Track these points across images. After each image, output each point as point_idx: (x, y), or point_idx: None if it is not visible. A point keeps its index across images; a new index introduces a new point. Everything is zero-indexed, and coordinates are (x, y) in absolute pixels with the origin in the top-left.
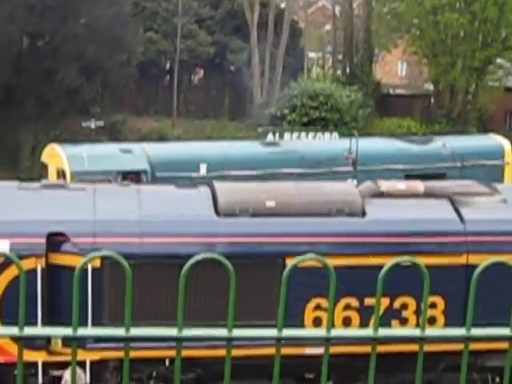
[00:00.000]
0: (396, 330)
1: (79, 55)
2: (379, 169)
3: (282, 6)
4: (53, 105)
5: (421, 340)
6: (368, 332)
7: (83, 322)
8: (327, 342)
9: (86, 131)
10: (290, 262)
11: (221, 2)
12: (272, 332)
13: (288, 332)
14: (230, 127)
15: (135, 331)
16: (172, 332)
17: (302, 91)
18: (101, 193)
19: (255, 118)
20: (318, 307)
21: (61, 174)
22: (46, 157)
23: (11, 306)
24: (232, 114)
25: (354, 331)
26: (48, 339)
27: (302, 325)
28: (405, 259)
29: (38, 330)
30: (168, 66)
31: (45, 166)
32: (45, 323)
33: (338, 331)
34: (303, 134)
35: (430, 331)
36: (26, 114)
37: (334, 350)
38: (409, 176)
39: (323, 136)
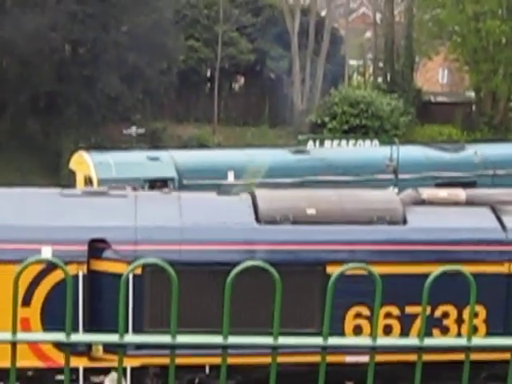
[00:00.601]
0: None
1: (120, 63)
2: (408, 177)
3: (323, 13)
4: (94, 112)
5: (467, 350)
6: (414, 341)
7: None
8: (373, 350)
9: (126, 138)
10: (330, 270)
11: (262, 9)
12: (318, 340)
13: (334, 340)
14: (270, 134)
15: (181, 338)
16: (218, 339)
17: (343, 99)
18: (142, 200)
19: (295, 125)
20: (358, 315)
21: (88, 181)
22: (73, 164)
23: (53, 312)
24: (272, 121)
25: (399, 340)
26: (89, 345)
27: (342, 333)
28: (451, 268)
29: (86, 337)
30: (209, 74)
31: (73, 173)
32: (86, 329)
33: (384, 340)
34: (343, 141)
35: (477, 341)
36: (67, 120)
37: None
38: (439, 184)
39: (363, 144)
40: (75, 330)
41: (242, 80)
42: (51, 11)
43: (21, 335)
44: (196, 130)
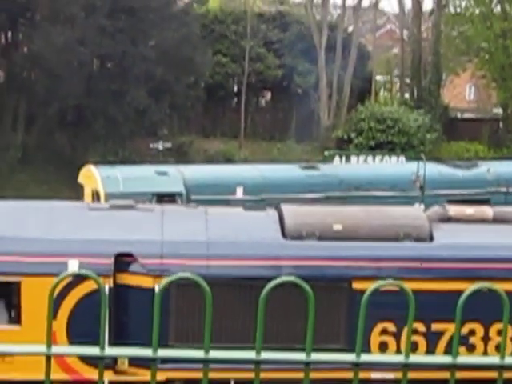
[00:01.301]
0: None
1: (148, 77)
2: (419, 194)
3: (350, 29)
4: (121, 126)
5: (501, 368)
6: (447, 359)
7: (148, 343)
8: (405, 367)
9: (153, 152)
10: (356, 286)
11: (289, 25)
12: (350, 357)
13: (366, 357)
14: (296, 149)
15: (214, 354)
16: (250, 355)
17: (370, 114)
18: (168, 214)
19: (322, 140)
20: (384, 331)
21: (95, 195)
22: (82, 178)
23: (78, 325)
24: (299, 136)
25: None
26: (115, 359)
27: (368, 349)
28: (484, 286)
29: (120, 351)
30: (236, 89)
31: (81, 187)
32: (111, 343)
33: (417, 357)
34: (370, 157)
35: (510, 359)
36: (95, 134)
37: (399, 375)
38: (451, 201)
39: (390, 160)
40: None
41: (268, 95)
42: (80, 25)
43: (55, 349)
44: (222, 145)
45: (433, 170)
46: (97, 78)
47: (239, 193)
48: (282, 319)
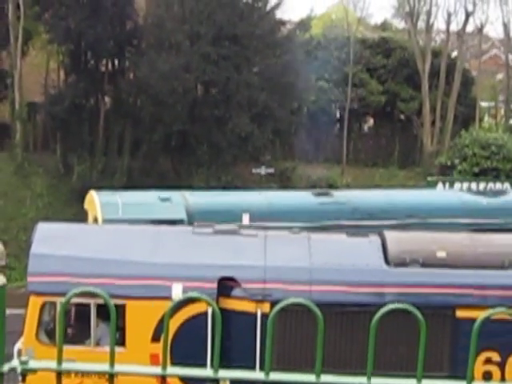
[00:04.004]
0: None
1: (251, 103)
2: (436, 222)
3: (454, 54)
4: (224, 151)
5: None
6: None
7: (250, 366)
8: None
9: (255, 178)
10: (460, 314)
11: (393, 50)
12: None
13: None
14: (399, 176)
15: (326, 378)
16: (362, 380)
17: (474, 141)
18: (272, 239)
19: (425, 167)
20: (488, 361)
21: (95, 221)
22: (86, 204)
23: (181, 347)
24: (402, 162)
25: None
26: (217, 381)
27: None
28: None
29: (232, 373)
30: (338, 114)
31: (85, 213)
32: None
33: None
34: (473, 183)
35: None
36: (198, 159)
37: None
38: (476, 231)
39: (494, 186)
40: (203, 366)
41: (371, 121)
42: (185, 53)
43: (170, 369)
44: (325, 171)
45: (453, 197)
46: (201, 104)
47: (245, 220)
48: (385, 346)
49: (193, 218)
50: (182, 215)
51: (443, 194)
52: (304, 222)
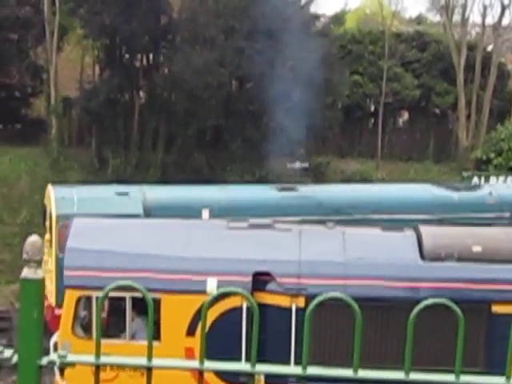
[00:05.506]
0: None
1: (285, 97)
2: (406, 218)
3: (490, 48)
4: (259, 146)
5: None
6: None
7: (284, 361)
8: None
9: (290, 172)
10: (495, 309)
11: (427, 44)
12: (500, 380)
13: None
14: (433, 170)
15: (363, 373)
16: (399, 375)
17: (510, 135)
18: (306, 234)
19: (460, 161)
20: None
21: (51, 217)
22: (45, 199)
23: (216, 342)
24: (436, 157)
25: None
26: (252, 375)
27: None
28: None
29: (269, 368)
30: (373, 109)
31: (44, 208)
32: (247, 360)
33: None
34: (510, 178)
35: None
36: (232, 154)
37: None
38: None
39: None
40: (238, 360)
41: (406, 115)
42: (219, 47)
43: (208, 364)
44: (359, 165)
45: (425, 192)
46: (235, 98)
47: (205, 215)
48: (419, 341)
49: (150, 213)
50: (139, 210)
51: (414, 188)
52: (265, 217)
